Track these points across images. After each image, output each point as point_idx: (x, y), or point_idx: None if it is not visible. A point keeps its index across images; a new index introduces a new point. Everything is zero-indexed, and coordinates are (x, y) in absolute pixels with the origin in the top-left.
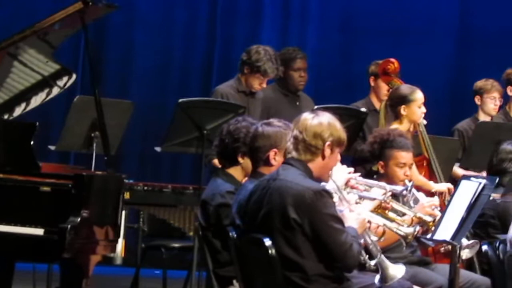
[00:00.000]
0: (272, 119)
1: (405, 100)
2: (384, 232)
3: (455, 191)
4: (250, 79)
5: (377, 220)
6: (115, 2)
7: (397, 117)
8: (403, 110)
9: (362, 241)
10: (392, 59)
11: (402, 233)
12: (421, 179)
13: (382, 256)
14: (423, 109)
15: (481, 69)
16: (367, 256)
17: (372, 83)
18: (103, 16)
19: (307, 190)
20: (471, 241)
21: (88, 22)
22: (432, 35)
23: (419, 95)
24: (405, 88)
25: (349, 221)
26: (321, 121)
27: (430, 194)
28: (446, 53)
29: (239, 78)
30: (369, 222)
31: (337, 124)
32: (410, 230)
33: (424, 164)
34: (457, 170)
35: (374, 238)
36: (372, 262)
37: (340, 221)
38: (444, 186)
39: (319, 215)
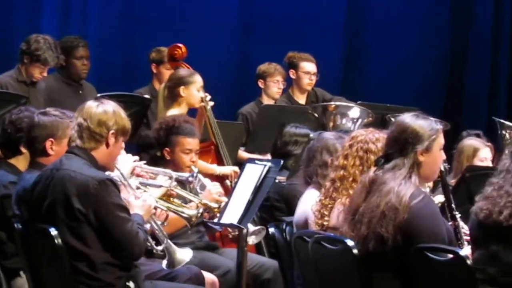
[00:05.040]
0: (48, 108)
1: (184, 81)
2: (167, 216)
3: (240, 174)
4: (30, 68)
5: (161, 205)
6: None
7: (176, 99)
8: (182, 91)
9: (148, 227)
10: (180, 44)
11: (185, 215)
12: (204, 164)
13: (169, 241)
14: (202, 94)
15: (264, 53)
16: (154, 242)
17: (154, 70)
18: None
19: (91, 179)
20: (258, 227)
21: None
22: (213, 22)
23: (198, 78)
24: (184, 70)
25: (135, 208)
26: (106, 109)
27: (215, 178)
28: (229, 39)
29: (19, 68)
30: (155, 208)
31: (122, 113)
32: (193, 212)
33: (212, 149)
34: (242, 153)
35: (158, 222)
36: (159, 248)
37: (125, 209)
38: (228, 169)
39: (104, 204)
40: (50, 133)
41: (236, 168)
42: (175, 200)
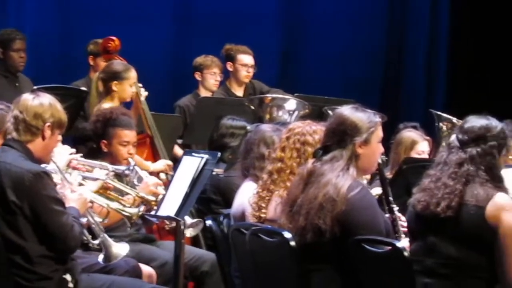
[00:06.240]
0: None
1: (118, 76)
2: (108, 213)
3: (178, 166)
4: None
5: (101, 201)
6: None
7: (108, 93)
8: (114, 86)
9: (85, 221)
10: (113, 37)
11: (126, 214)
12: (138, 159)
13: (105, 235)
14: (134, 89)
15: (201, 45)
16: (90, 236)
17: (91, 62)
18: None
19: (26, 172)
20: (195, 220)
21: None
22: (150, 14)
23: (132, 74)
24: (119, 64)
25: (71, 201)
26: (42, 102)
27: (151, 174)
28: (165, 31)
29: None
30: (92, 202)
31: (58, 106)
32: (134, 210)
33: (147, 141)
34: (178, 148)
35: (99, 220)
36: (96, 242)
37: (60, 202)
38: (161, 164)
39: (39, 197)
40: None
41: (169, 162)
42: (112, 193)
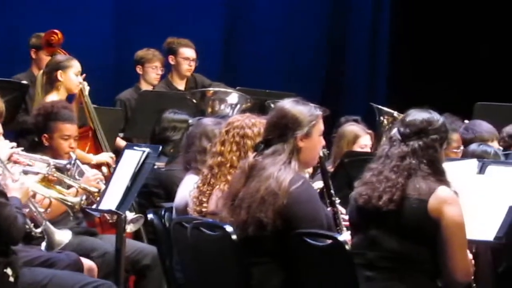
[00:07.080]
0: None
1: (61, 66)
2: (50, 203)
3: (119, 160)
4: None
5: (43, 191)
6: None
7: (54, 84)
8: (60, 75)
9: (27, 211)
10: (56, 30)
11: (69, 203)
12: (80, 152)
13: (48, 223)
14: (80, 79)
15: (143, 39)
16: (33, 224)
17: (33, 56)
18: None
19: None
20: (136, 215)
21: None
22: (91, 6)
23: (75, 63)
24: (61, 56)
25: (12, 191)
26: None
27: (93, 166)
28: (107, 24)
29: None
30: (34, 193)
31: None
32: (76, 199)
33: (90, 134)
34: (121, 140)
35: (41, 210)
36: (38, 230)
37: (3, 194)
38: (105, 156)
39: None
40: None
41: (112, 155)
42: (56, 186)
